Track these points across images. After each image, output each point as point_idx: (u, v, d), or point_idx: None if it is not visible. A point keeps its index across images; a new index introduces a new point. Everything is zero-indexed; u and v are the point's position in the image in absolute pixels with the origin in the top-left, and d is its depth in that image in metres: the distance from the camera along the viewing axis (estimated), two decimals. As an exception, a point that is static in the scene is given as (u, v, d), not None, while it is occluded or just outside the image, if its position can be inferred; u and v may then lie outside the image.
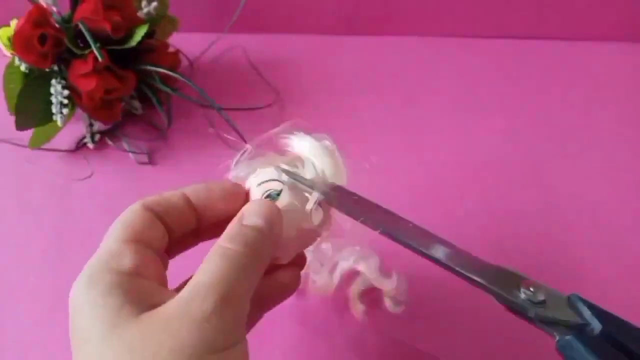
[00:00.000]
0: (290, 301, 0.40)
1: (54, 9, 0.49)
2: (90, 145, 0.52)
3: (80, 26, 0.47)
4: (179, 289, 0.23)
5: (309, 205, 0.29)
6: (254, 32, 0.63)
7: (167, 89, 0.53)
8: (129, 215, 0.26)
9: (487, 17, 0.62)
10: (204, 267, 0.23)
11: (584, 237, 0.43)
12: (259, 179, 0.30)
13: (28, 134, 0.50)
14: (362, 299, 0.38)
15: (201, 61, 0.61)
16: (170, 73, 0.52)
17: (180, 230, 0.28)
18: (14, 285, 0.43)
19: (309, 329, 0.38)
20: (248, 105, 0.55)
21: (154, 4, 0.52)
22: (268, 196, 0.29)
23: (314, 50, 0.62)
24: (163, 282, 0.25)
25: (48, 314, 0.42)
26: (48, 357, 0.39)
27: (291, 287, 0.31)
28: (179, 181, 0.50)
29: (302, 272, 0.39)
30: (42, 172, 0.50)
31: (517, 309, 0.25)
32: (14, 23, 0.48)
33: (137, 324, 0.21)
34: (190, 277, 0.24)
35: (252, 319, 0.30)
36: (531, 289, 0.26)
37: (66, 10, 0.50)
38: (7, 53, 0.49)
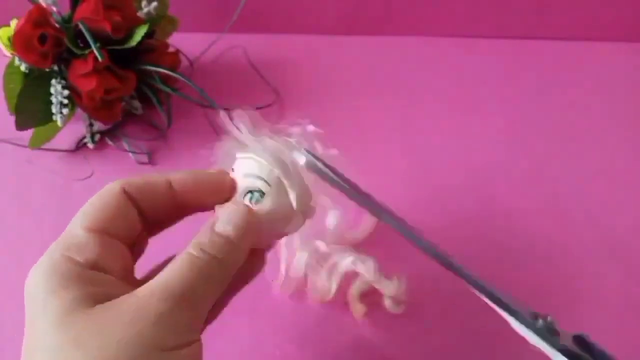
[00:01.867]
0: (290, 302, 0.40)
1: (54, 8, 0.49)
2: (90, 145, 0.52)
3: (80, 26, 0.47)
4: (142, 282, 0.22)
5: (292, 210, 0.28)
6: (254, 32, 0.63)
7: (167, 89, 0.53)
8: (104, 198, 0.25)
9: (487, 17, 0.62)
10: (170, 269, 0.22)
11: (584, 237, 0.43)
12: (245, 170, 0.28)
13: (28, 134, 0.50)
14: (362, 299, 0.38)
15: (201, 61, 0.61)
16: (171, 73, 0.52)
17: (158, 217, 0.27)
18: (14, 285, 0.43)
19: (309, 330, 0.38)
20: (248, 105, 0.55)
21: (154, 4, 0.52)
22: (251, 194, 0.27)
23: (314, 50, 0.62)
24: (126, 275, 0.24)
25: (48, 314, 0.42)
26: (48, 357, 0.39)
27: (256, 270, 0.30)
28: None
29: (299, 273, 0.39)
30: (42, 172, 0.50)
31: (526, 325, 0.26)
32: (14, 23, 0.48)
33: (88, 315, 0.20)
34: (153, 270, 0.25)
35: (217, 309, 0.29)
36: (548, 319, 0.26)
37: (66, 10, 0.50)
38: (7, 53, 0.49)
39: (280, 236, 0.30)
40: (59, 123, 0.48)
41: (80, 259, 0.23)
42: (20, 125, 0.48)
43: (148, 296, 0.21)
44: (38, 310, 0.21)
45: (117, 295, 0.21)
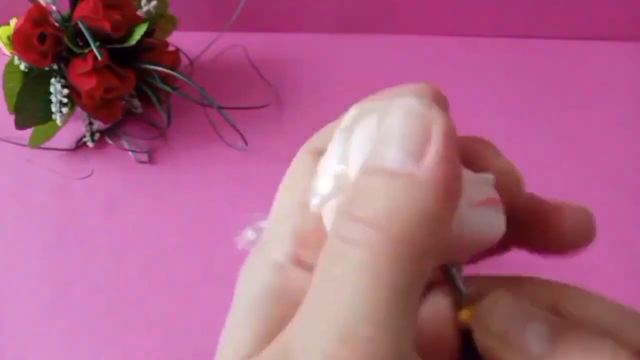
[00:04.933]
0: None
1: (54, 7, 0.49)
2: (90, 144, 0.52)
3: (80, 25, 0.47)
4: None
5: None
6: (254, 31, 0.63)
7: (167, 88, 0.53)
8: (301, 166, 0.17)
9: (487, 16, 0.62)
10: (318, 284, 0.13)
11: (584, 237, 0.44)
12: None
13: (28, 132, 0.50)
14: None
15: (201, 60, 0.61)
16: (170, 72, 0.52)
17: None
18: (14, 285, 0.43)
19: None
20: (248, 104, 0.55)
21: (154, 2, 0.52)
22: None
23: (314, 49, 0.62)
24: None
25: (48, 313, 0.42)
26: (48, 357, 0.39)
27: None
28: (179, 180, 0.51)
29: None
30: (42, 171, 0.50)
31: None
32: (13, 22, 0.48)
33: None
34: None
35: None
36: None
37: (66, 9, 0.50)
38: (7, 52, 0.49)
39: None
40: (59, 122, 0.48)
41: (280, 255, 0.16)
42: (20, 124, 0.48)
43: (305, 329, 0.13)
44: (223, 343, 0.15)
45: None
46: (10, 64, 0.49)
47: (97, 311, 0.42)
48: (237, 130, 0.51)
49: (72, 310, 0.42)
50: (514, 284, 0.17)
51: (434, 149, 0.12)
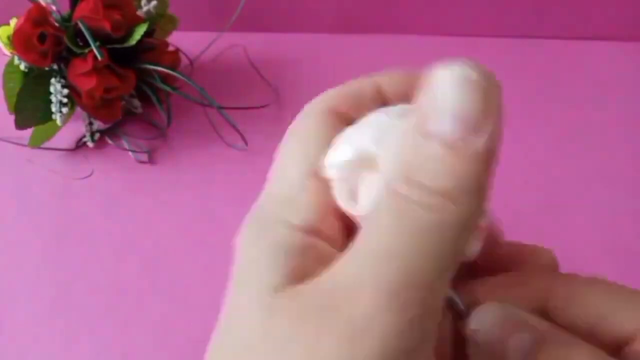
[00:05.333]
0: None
1: (54, 7, 0.49)
2: (90, 144, 0.52)
3: (80, 25, 0.47)
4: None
5: None
6: (254, 31, 0.63)
7: (167, 88, 0.53)
8: (315, 128, 0.17)
9: (487, 16, 0.62)
10: (375, 231, 0.14)
11: (584, 237, 0.44)
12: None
13: (28, 132, 0.50)
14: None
15: (201, 60, 0.61)
16: (170, 72, 0.52)
17: None
18: (14, 285, 0.43)
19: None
20: (248, 104, 0.55)
21: (154, 2, 0.52)
22: None
23: (314, 49, 0.62)
24: (337, 238, 0.16)
25: (48, 313, 0.42)
26: (48, 357, 0.39)
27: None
28: (179, 180, 0.51)
29: None
30: (42, 171, 0.50)
31: None
32: (13, 22, 0.48)
33: (276, 308, 0.14)
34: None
35: None
36: None
37: (66, 9, 0.50)
38: (7, 52, 0.49)
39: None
40: (59, 122, 0.48)
41: (295, 220, 0.16)
42: (20, 124, 0.48)
43: (350, 294, 0.14)
44: (242, 279, 0.16)
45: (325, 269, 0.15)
46: (10, 64, 0.49)
47: (97, 311, 0.42)
48: (237, 130, 0.51)
49: (72, 310, 0.42)
50: (504, 285, 0.17)
51: (491, 124, 0.13)
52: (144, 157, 0.51)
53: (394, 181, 0.14)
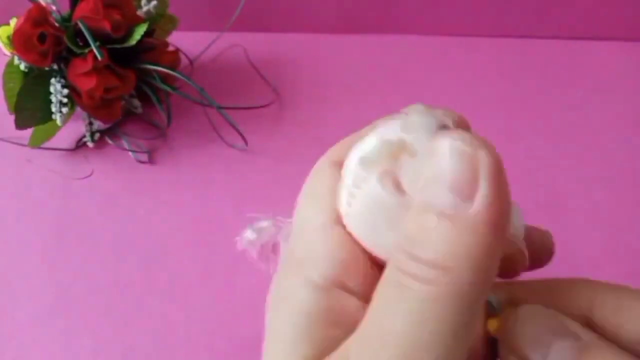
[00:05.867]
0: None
1: (54, 7, 0.49)
2: (90, 144, 0.52)
3: (80, 25, 0.47)
4: None
5: None
6: (254, 31, 0.63)
7: (167, 88, 0.53)
8: (326, 183, 0.17)
9: (487, 16, 0.62)
10: (375, 314, 0.14)
11: (584, 237, 0.44)
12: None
13: (28, 132, 0.50)
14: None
15: (201, 60, 0.61)
16: (170, 72, 0.52)
17: None
18: (14, 285, 0.43)
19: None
20: (248, 104, 0.55)
21: (154, 2, 0.52)
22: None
23: (314, 49, 0.62)
24: (366, 287, 0.16)
25: (48, 313, 0.42)
26: (48, 357, 0.39)
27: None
28: (179, 180, 0.51)
29: None
30: (42, 171, 0.50)
31: None
32: (13, 22, 0.48)
33: None
34: None
35: None
36: None
37: (66, 9, 0.50)
38: (7, 52, 0.49)
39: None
40: (59, 122, 0.48)
41: (316, 275, 0.16)
42: (20, 124, 0.48)
43: None
44: (270, 356, 0.16)
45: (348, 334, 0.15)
46: (10, 64, 0.49)
47: (97, 311, 0.42)
48: (237, 130, 0.51)
49: (72, 310, 0.42)
50: (548, 289, 0.17)
51: (483, 191, 0.13)
52: (144, 157, 0.51)
53: (396, 255, 0.14)
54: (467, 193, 0.13)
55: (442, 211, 0.13)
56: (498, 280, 0.17)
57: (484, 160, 0.13)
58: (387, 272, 0.14)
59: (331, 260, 0.16)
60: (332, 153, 0.19)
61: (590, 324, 0.16)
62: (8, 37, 0.48)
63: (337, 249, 0.16)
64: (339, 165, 0.18)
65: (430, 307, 0.13)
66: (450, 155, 0.14)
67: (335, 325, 0.15)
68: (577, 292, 0.17)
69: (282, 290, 0.16)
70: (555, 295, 0.17)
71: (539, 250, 0.19)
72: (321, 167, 0.18)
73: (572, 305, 0.16)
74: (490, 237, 0.13)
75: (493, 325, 0.16)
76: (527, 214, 0.49)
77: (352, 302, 0.15)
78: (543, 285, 0.17)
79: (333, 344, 0.15)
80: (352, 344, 0.14)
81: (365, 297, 0.15)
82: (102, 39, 0.48)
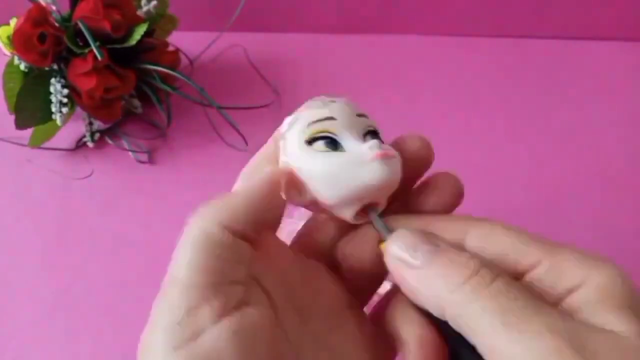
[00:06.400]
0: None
1: (54, 7, 0.49)
2: (90, 144, 0.52)
3: (80, 25, 0.47)
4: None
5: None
6: (254, 31, 0.63)
7: (167, 88, 0.53)
8: (207, 254, 0.20)
9: (487, 16, 0.62)
10: None
11: (584, 237, 0.44)
12: (308, 119, 0.21)
13: (28, 132, 0.50)
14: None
15: (201, 60, 0.61)
16: (170, 72, 0.52)
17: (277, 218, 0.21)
18: (14, 285, 0.43)
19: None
20: (248, 104, 0.55)
21: (154, 2, 0.52)
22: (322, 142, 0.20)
23: (314, 49, 0.62)
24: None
25: (48, 313, 0.42)
26: (48, 357, 0.39)
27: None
28: (179, 180, 0.51)
29: None
30: (42, 171, 0.50)
31: None
32: (13, 22, 0.48)
33: None
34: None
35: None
36: None
37: (66, 9, 0.50)
38: (7, 52, 0.49)
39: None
40: (59, 122, 0.48)
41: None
42: (20, 124, 0.48)
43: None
44: (148, 341, 0.21)
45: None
46: (10, 64, 0.49)
47: (97, 311, 0.42)
48: (237, 130, 0.51)
49: (72, 310, 0.42)
50: (425, 221, 0.21)
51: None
52: (144, 157, 0.51)
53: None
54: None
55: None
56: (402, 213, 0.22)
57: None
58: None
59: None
60: (206, 224, 0.21)
61: (461, 249, 0.20)
62: (8, 37, 0.48)
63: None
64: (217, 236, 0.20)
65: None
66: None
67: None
68: (452, 222, 0.21)
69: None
70: (435, 223, 0.21)
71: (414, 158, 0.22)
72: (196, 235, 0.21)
73: (447, 231, 0.20)
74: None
75: (382, 247, 0.20)
76: (527, 213, 0.49)
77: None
78: (430, 217, 0.21)
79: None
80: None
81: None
82: (102, 39, 0.48)
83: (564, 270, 0.18)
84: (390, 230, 0.20)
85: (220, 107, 0.53)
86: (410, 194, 0.22)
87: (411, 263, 0.19)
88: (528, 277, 0.19)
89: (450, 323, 0.18)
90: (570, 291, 0.18)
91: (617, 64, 0.59)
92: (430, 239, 0.20)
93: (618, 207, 0.46)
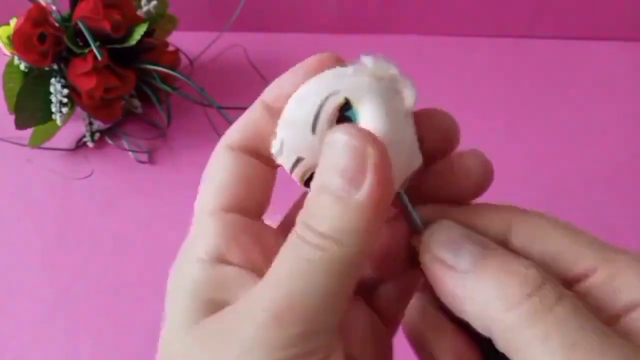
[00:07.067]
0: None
1: (54, 7, 0.49)
2: (90, 144, 0.52)
3: (80, 25, 0.47)
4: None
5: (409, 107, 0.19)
6: (254, 30, 0.63)
7: (167, 88, 0.53)
8: (218, 167, 0.20)
9: (487, 16, 0.62)
10: (272, 267, 0.17)
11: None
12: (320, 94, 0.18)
13: (28, 132, 0.50)
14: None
15: (201, 60, 0.61)
16: (170, 72, 0.52)
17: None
18: (14, 285, 0.43)
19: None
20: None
21: (154, 2, 0.52)
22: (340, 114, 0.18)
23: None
24: (254, 262, 0.18)
25: (48, 313, 0.42)
26: (48, 357, 0.39)
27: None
28: (179, 180, 0.50)
29: None
30: (42, 171, 0.50)
31: None
32: (13, 22, 0.48)
33: (190, 336, 0.17)
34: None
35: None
36: None
37: (66, 9, 0.50)
38: (7, 52, 0.49)
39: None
40: (59, 122, 0.48)
41: (201, 254, 0.18)
42: (20, 124, 0.48)
43: (242, 321, 0.16)
44: (167, 319, 0.19)
45: (234, 298, 0.17)
46: (10, 64, 0.49)
47: (97, 311, 0.42)
48: (237, 130, 0.51)
49: (72, 310, 0.42)
50: (471, 210, 0.19)
51: (368, 181, 0.16)
52: (144, 157, 0.51)
53: (298, 224, 0.17)
54: (356, 181, 0.16)
55: (336, 193, 0.16)
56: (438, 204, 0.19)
57: (370, 154, 0.16)
58: (289, 236, 0.17)
59: (214, 238, 0.18)
60: (227, 138, 0.21)
61: (506, 246, 0.18)
62: (8, 37, 0.48)
63: (222, 229, 0.19)
64: (236, 150, 0.20)
65: (317, 267, 0.16)
66: (343, 149, 0.16)
67: (218, 291, 0.18)
68: (496, 214, 0.19)
69: (177, 267, 0.19)
70: (476, 216, 0.19)
71: (440, 139, 0.21)
72: (217, 153, 0.21)
73: (490, 225, 0.18)
74: (372, 218, 0.16)
75: (415, 240, 0.18)
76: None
77: (233, 272, 0.18)
78: (468, 207, 0.19)
79: (215, 306, 0.17)
80: (246, 294, 0.17)
81: (248, 267, 0.18)
82: (102, 39, 0.48)
83: (623, 282, 0.16)
84: (426, 222, 0.18)
85: (220, 107, 0.53)
86: (429, 176, 0.20)
87: (454, 265, 0.17)
88: (581, 287, 0.16)
89: (496, 344, 0.16)
90: (628, 309, 0.15)
91: (617, 64, 0.59)
92: (478, 236, 0.17)
93: (618, 207, 0.46)
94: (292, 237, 0.17)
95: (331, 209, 0.16)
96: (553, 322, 0.14)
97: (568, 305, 0.15)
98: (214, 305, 0.17)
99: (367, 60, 0.19)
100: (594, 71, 0.59)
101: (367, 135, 0.16)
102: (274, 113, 0.20)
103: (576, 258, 0.17)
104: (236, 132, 0.21)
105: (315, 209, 0.17)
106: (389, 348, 0.21)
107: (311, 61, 0.20)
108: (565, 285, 0.16)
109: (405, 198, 0.19)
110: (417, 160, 0.19)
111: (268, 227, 0.20)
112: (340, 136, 0.17)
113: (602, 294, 0.16)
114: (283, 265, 0.16)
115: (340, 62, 0.20)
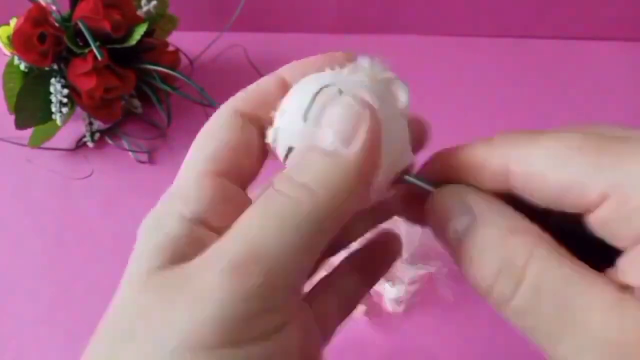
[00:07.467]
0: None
1: (54, 7, 0.49)
2: (90, 144, 0.52)
3: (80, 25, 0.47)
4: None
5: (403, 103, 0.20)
6: (254, 30, 0.63)
7: (167, 88, 0.53)
8: (219, 129, 0.20)
9: (487, 16, 0.62)
10: (242, 217, 0.17)
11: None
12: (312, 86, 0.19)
13: (28, 132, 0.50)
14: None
15: (201, 60, 0.61)
16: (170, 72, 0.52)
17: None
18: (14, 285, 0.43)
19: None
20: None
21: (154, 2, 0.52)
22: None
23: (314, 49, 0.61)
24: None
25: (48, 313, 0.42)
26: (48, 357, 0.39)
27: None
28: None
29: None
30: (42, 171, 0.50)
31: None
32: (13, 22, 0.48)
33: (150, 281, 0.17)
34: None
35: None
36: None
37: (66, 9, 0.50)
38: (7, 52, 0.49)
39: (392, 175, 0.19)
40: (59, 122, 0.48)
41: (184, 211, 0.18)
42: (20, 124, 0.48)
43: (202, 269, 0.16)
44: (132, 262, 0.19)
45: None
46: (10, 64, 0.49)
47: (97, 311, 0.42)
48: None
49: (72, 310, 0.42)
50: (473, 165, 0.20)
51: (357, 141, 0.17)
52: (144, 157, 0.52)
53: (275, 180, 0.17)
54: (346, 139, 0.17)
55: (323, 150, 0.17)
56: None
57: (365, 119, 0.17)
58: (264, 193, 0.17)
59: (200, 201, 0.18)
60: (235, 101, 0.20)
61: (510, 189, 0.18)
62: (8, 37, 0.48)
63: (208, 193, 0.18)
64: (239, 116, 0.20)
65: (285, 217, 0.16)
66: (343, 107, 0.17)
67: (190, 249, 0.17)
68: (488, 169, 0.19)
69: (154, 217, 0.19)
70: (472, 174, 0.19)
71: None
72: (219, 114, 0.20)
73: (489, 180, 0.19)
74: (355, 176, 0.17)
75: (429, 203, 0.19)
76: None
77: (210, 236, 0.17)
78: (467, 146, 0.21)
79: (184, 261, 0.17)
80: (220, 237, 0.17)
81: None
82: (102, 39, 0.48)
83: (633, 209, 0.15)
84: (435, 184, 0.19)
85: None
86: None
87: (454, 224, 0.18)
88: (591, 220, 0.16)
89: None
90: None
91: (617, 64, 0.59)
92: (470, 203, 0.18)
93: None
94: (266, 192, 0.17)
95: (317, 163, 0.17)
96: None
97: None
98: (182, 260, 0.17)
99: (364, 62, 0.20)
100: (594, 71, 0.59)
101: (369, 106, 0.17)
102: (287, 90, 0.20)
103: (581, 190, 0.16)
104: (246, 99, 0.21)
105: (301, 163, 0.17)
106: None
107: (338, 54, 0.21)
108: (578, 216, 0.16)
109: (409, 176, 0.20)
110: (408, 158, 0.20)
111: (250, 199, 0.19)
112: (346, 99, 0.17)
113: (616, 222, 0.15)
114: (252, 218, 0.17)
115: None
